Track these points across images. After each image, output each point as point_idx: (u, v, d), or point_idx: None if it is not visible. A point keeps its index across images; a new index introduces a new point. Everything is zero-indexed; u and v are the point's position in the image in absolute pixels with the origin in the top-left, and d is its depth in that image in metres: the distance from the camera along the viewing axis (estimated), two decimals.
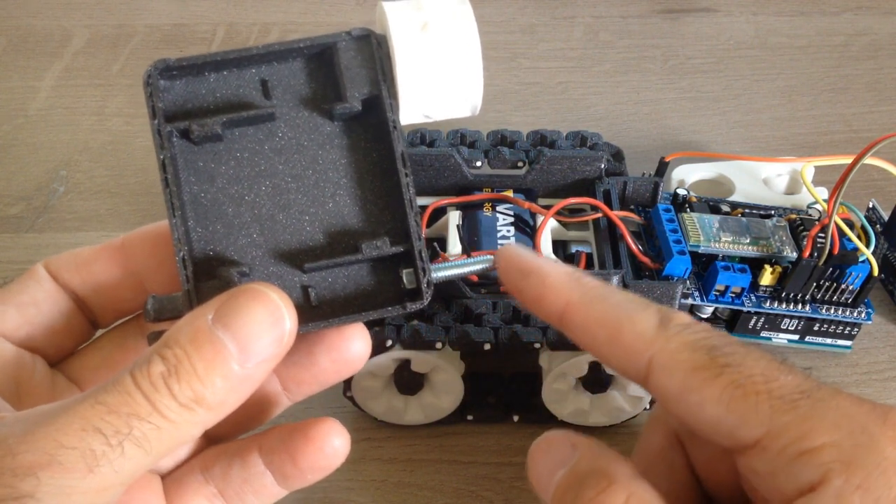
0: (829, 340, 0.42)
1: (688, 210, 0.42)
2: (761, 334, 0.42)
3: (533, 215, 0.40)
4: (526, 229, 0.39)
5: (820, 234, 0.38)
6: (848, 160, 0.37)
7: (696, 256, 0.39)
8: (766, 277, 0.40)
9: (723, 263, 0.39)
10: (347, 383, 0.37)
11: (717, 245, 0.40)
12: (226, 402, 0.21)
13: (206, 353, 0.20)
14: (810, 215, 0.42)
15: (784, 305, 0.40)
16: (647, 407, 0.38)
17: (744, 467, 0.20)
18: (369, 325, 0.34)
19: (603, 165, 0.41)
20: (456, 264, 0.24)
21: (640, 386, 0.21)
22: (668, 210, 0.40)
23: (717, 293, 0.40)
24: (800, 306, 0.40)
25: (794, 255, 0.39)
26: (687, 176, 0.48)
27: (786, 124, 0.59)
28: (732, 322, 0.42)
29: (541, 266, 0.22)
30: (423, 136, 0.43)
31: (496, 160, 0.41)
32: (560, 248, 0.40)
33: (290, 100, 0.24)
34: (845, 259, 0.38)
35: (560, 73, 0.63)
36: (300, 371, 0.24)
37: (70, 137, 0.56)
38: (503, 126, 0.45)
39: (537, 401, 0.38)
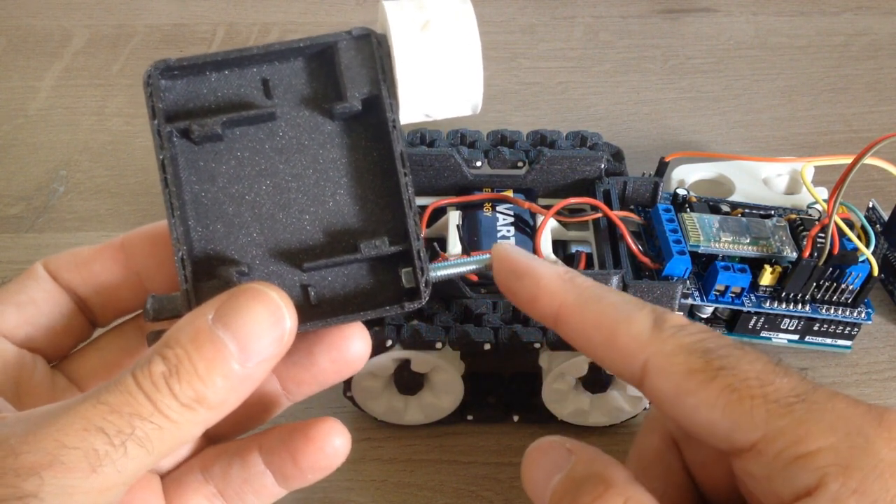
0: (828, 340, 0.42)
1: (688, 210, 0.42)
2: (761, 334, 0.42)
3: (533, 215, 0.40)
4: (526, 229, 0.39)
5: (820, 234, 0.38)
6: (848, 160, 0.37)
7: (696, 256, 0.39)
8: (766, 277, 0.40)
9: (723, 263, 0.39)
10: (347, 383, 0.37)
11: (717, 245, 0.40)
12: (226, 402, 0.21)
13: (207, 352, 0.20)
14: (810, 215, 0.42)
15: (784, 305, 0.40)
16: (647, 407, 0.38)
17: (740, 470, 0.20)
18: (369, 324, 0.34)
19: (603, 165, 0.41)
20: (454, 263, 0.24)
21: (635, 388, 0.21)
22: (668, 210, 0.40)
23: (717, 293, 0.40)
24: (800, 306, 0.40)
25: (794, 255, 0.39)
26: (687, 176, 0.48)
27: (786, 124, 0.59)
28: (732, 322, 0.42)
29: (534, 267, 0.22)
30: (423, 136, 0.43)
31: (496, 160, 0.41)
32: (560, 248, 0.40)
33: (291, 99, 0.24)
34: (845, 259, 0.38)
35: (560, 73, 0.63)
36: (300, 371, 0.24)
37: (70, 137, 0.56)
38: (503, 126, 0.45)
39: (537, 401, 0.38)
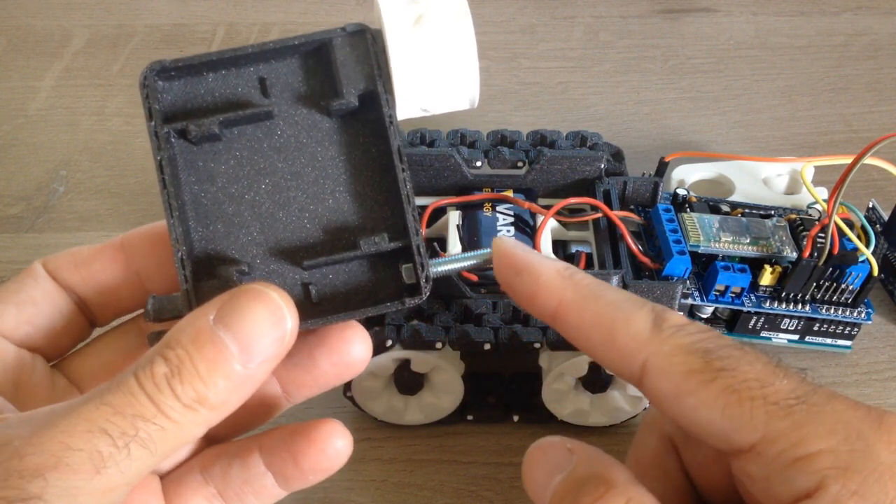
0: (829, 340, 0.42)
1: (688, 210, 0.42)
2: (761, 334, 0.42)
3: (533, 215, 0.40)
4: (526, 229, 0.39)
5: (820, 234, 0.38)
6: (848, 160, 0.37)
7: (696, 256, 0.39)
8: (766, 277, 0.40)
9: (723, 263, 0.39)
10: (347, 383, 0.37)
11: (717, 245, 0.40)
12: (228, 402, 0.21)
13: (208, 353, 0.20)
14: (810, 215, 0.42)
15: (784, 305, 0.40)
16: (647, 407, 0.38)
17: (739, 471, 0.20)
18: (369, 324, 0.34)
19: (603, 165, 0.41)
20: (454, 258, 0.24)
21: (635, 387, 0.21)
22: (668, 210, 0.40)
23: (717, 293, 0.40)
24: (800, 306, 0.40)
25: (794, 255, 0.39)
26: (687, 176, 0.48)
27: (786, 124, 0.59)
28: (732, 322, 0.42)
29: (533, 263, 0.22)
30: (422, 136, 0.43)
31: (496, 160, 0.41)
32: (560, 248, 0.40)
33: (288, 97, 0.24)
34: (845, 259, 0.38)
35: (560, 73, 0.63)
36: (301, 374, 0.24)
37: (70, 137, 0.56)
38: (503, 126, 0.45)
39: (537, 401, 0.38)
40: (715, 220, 0.41)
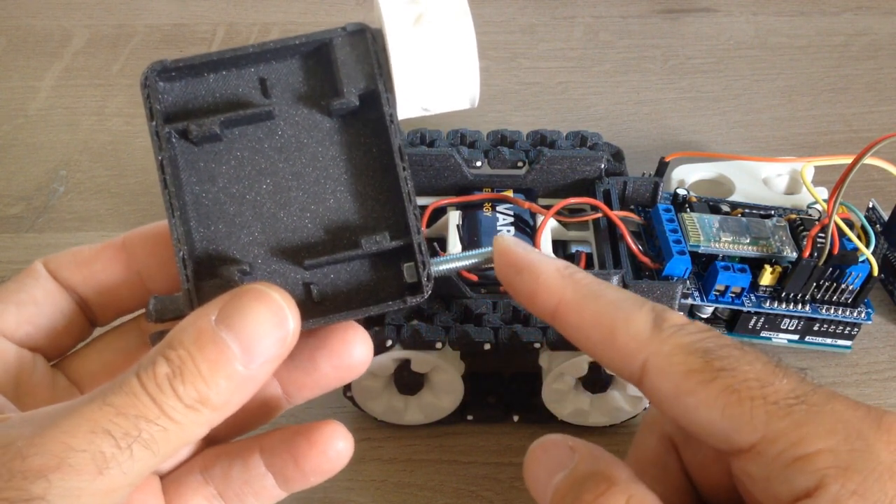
0: (829, 340, 0.42)
1: (688, 210, 0.42)
2: (761, 334, 0.42)
3: (533, 215, 0.40)
4: (526, 229, 0.39)
5: (820, 234, 0.38)
6: (848, 160, 0.37)
7: (696, 256, 0.39)
8: (766, 277, 0.40)
9: (723, 263, 0.39)
10: (347, 383, 0.37)
11: (717, 245, 0.40)
12: (230, 403, 0.21)
13: (210, 353, 0.20)
14: (810, 215, 0.42)
15: (784, 305, 0.40)
16: (647, 407, 0.38)
17: (739, 471, 0.20)
18: (369, 324, 0.34)
19: (603, 165, 0.41)
20: (455, 257, 0.25)
21: (635, 386, 0.21)
22: (668, 210, 0.40)
23: (717, 293, 0.40)
24: (800, 306, 0.40)
25: (794, 255, 0.39)
26: (687, 176, 0.48)
27: (786, 124, 0.59)
28: (732, 322, 0.42)
29: (534, 262, 0.22)
30: (423, 136, 0.43)
31: (496, 160, 0.41)
32: (560, 248, 0.40)
33: (289, 97, 0.24)
34: (845, 259, 0.38)
35: (560, 73, 0.63)
36: (301, 375, 0.24)
37: (70, 137, 0.56)
38: (503, 126, 0.45)
39: (537, 401, 0.38)
40: (715, 220, 0.41)
